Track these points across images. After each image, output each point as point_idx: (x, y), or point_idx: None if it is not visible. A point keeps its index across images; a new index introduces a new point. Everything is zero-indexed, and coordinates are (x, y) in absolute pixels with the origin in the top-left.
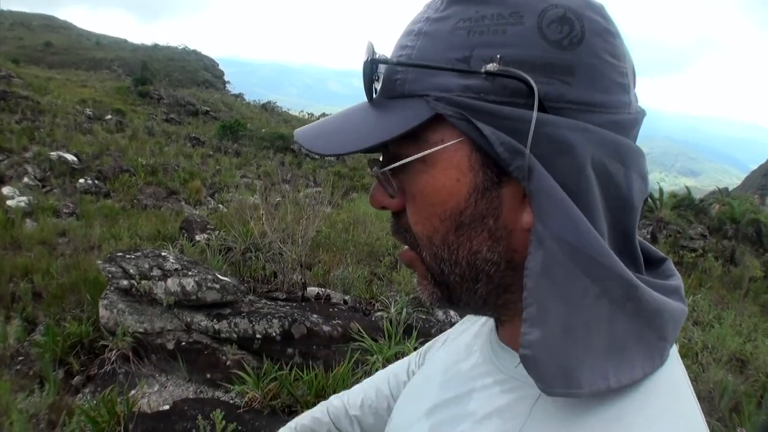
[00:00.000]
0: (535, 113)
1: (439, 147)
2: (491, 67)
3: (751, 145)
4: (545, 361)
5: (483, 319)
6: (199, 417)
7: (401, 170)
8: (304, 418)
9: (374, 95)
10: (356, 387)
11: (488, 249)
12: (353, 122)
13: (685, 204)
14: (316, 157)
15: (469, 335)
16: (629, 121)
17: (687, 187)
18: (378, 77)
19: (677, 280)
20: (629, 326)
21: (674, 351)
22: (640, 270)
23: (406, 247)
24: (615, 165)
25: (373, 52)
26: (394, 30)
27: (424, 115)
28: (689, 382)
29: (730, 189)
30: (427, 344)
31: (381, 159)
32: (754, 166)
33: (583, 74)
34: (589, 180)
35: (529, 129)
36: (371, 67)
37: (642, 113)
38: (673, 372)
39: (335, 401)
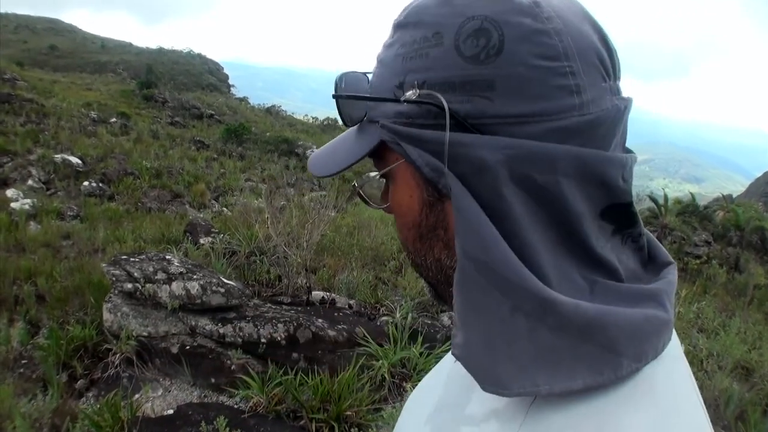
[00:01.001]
0: (447, 135)
1: (389, 167)
2: (410, 94)
3: (755, 152)
4: (471, 363)
5: None
6: (203, 423)
7: (386, 182)
8: None
9: (348, 123)
10: None
11: (446, 257)
12: (339, 146)
13: (690, 210)
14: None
15: None
16: (584, 123)
17: (692, 194)
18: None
19: (663, 284)
20: (556, 339)
21: (675, 353)
22: (613, 275)
23: None
24: (547, 177)
25: (337, 88)
26: None
27: (374, 140)
28: (695, 385)
29: (734, 196)
30: None
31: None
32: (759, 173)
33: (506, 86)
34: (508, 197)
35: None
36: (336, 101)
37: (617, 107)
38: (672, 374)
39: None
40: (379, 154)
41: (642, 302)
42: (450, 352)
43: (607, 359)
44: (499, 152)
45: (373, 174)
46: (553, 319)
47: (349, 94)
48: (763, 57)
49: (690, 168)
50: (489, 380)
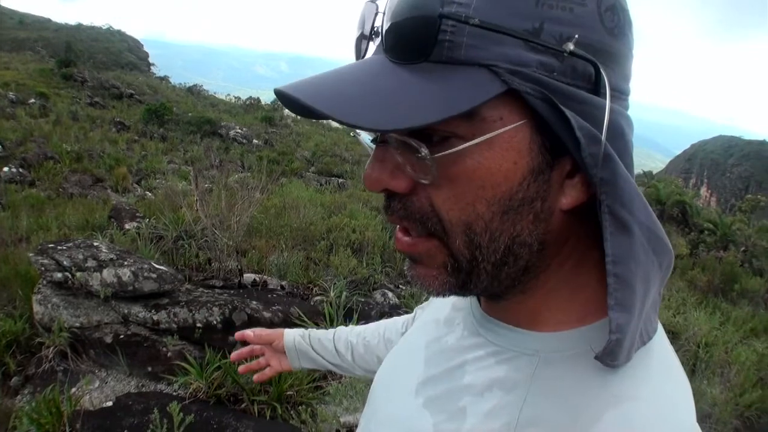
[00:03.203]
0: (608, 100)
1: (504, 129)
2: (571, 46)
3: (674, 132)
4: (627, 341)
5: None
6: (155, 410)
7: (437, 149)
8: (318, 330)
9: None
10: (367, 325)
11: (529, 233)
12: (390, 89)
13: None
14: (297, 117)
15: (445, 308)
16: (627, 104)
17: None
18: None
19: None
20: (658, 289)
21: (662, 330)
22: None
23: (411, 237)
24: (631, 147)
25: (441, 3)
26: (320, 11)
27: (493, 89)
28: (666, 338)
29: (654, 173)
30: (418, 309)
31: (402, 133)
32: (678, 151)
33: (621, 63)
34: (632, 163)
35: (601, 115)
36: (439, 22)
37: None
38: (663, 343)
39: (344, 327)
40: (469, 110)
41: None
42: (418, 323)
43: (659, 300)
44: (625, 121)
45: (475, 141)
46: (667, 272)
47: (478, 23)
48: (686, 43)
49: None
50: (625, 355)
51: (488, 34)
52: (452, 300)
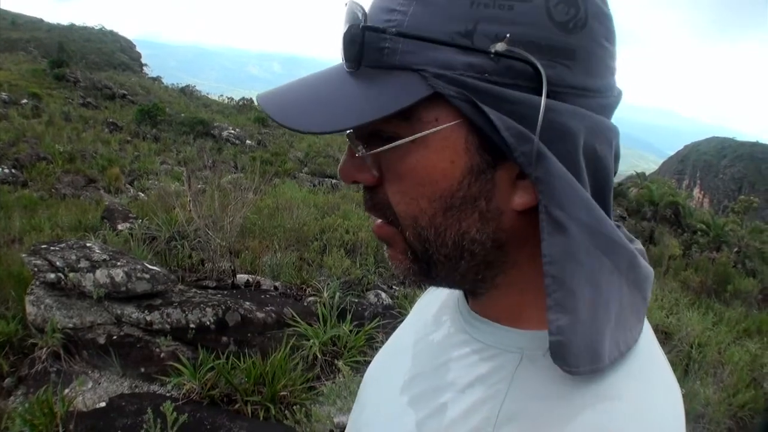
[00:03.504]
0: (543, 99)
1: (435, 129)
2: (500, 46)
3: (667, 132)
4: (574, 344)
5: (447, 290)
6: (149, 411)
7: (394, 148)
8: None
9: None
10: None
11: (477, 230)
12: (335, 94)
13: None
14: (273, 124)
15: (434, 306)
16: (614, 103)
17: None
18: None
19: (640, 244)
20: (630, 295)
21: (648, 327)
22: None
23: (380, 221)
24: (602, 147)
25: (364, 16)
26: (314, 11)
27: (420, 92)
28: (656, 339)
29: (647, 174)
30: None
31: (353, 133)
32: (671, 152)
33: (583, 59)
34: (582, 164)
35: (536, 114)
36: (363, 34)
37: (621, 93)
38: (648, 341)
39: None
40: (407, 111)
41: (644, 258)
42: (408, 320)
43: (643, 307)
44: (580, 122)
45: (407, 139)
46: (633, 274)
47: (400, 31)
48: (678, 45)
49: None
50: (584, 360)
51: (419, 42)
52: (441, 298)
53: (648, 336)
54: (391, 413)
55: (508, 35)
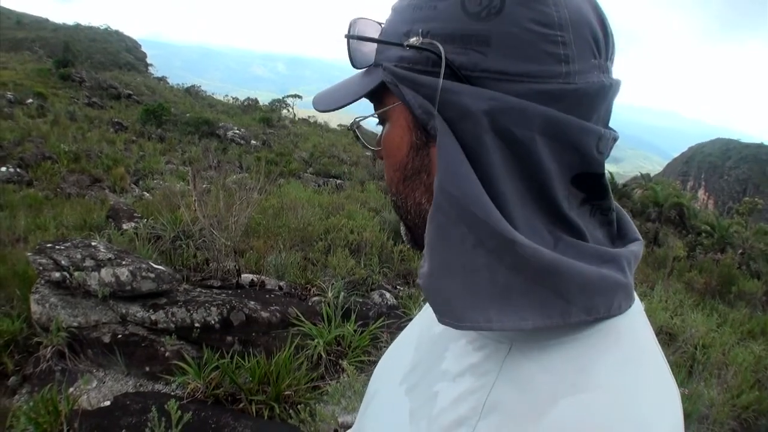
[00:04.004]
0: (440, 80)
1: (386, 108)
2: (413, 41)
3: (671, 134)
4: (432, 293)
5: None
6: (153, 409)
7: (381, 124)
8: None
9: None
10: None
11: (426, 200)
12: (344, 86)
13: None
14: (295, 119)
15: None
16: (567, 92)
17: (610, 173)
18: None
19: (625, 251)
20: (511, 278)
21: (638, 308)
22: (578, 234)
23: None
24: (527, 133)
25: (351, 28)
26: (318, 11)
27: (375, 81)
28: (654, 337)
29: (652, 175)
30: None
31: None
32: (676, 154)
33: (500, 44)
34: (486, 144)
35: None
36: (348, 42)
37: (603, 84)
38: (634, 327)
39: None
40: (379, 96)
41: (602, 263)
42: (417, 315)
43: (557, 304)
44: (482, 102)
45: (368, 115)
46: (510, 258)
47: (357, 35)
48: (681, 44)
49: None
50: (446, 312)
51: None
52: None
53: (634, 317)
54: (391, 404)
55: (421, 30)
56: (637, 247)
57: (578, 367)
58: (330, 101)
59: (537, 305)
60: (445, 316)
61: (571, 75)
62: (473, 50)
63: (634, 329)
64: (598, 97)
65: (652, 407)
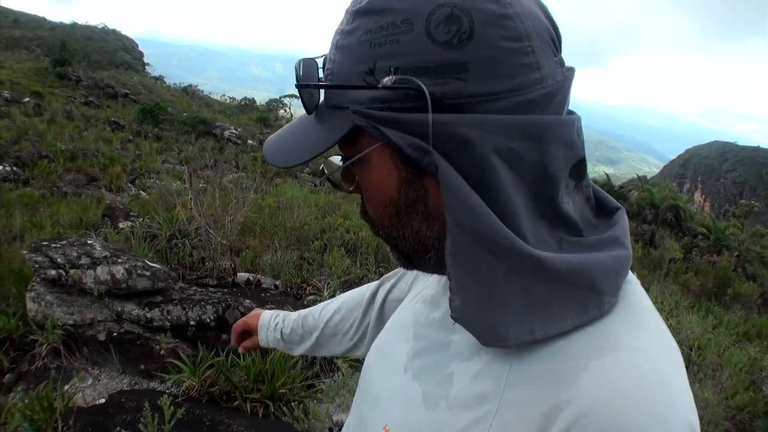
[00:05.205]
0: (429, 116)
1: (365, 151)
2: (387, 80)
3: (668, 136)
4: (471, 322)
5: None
6: (147, 405)
7: (354, 165)
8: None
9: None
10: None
11: (426, 228)
12: (300, 134)
13: (605, 190)
14: (293, 118)
15: (432, 288)
16: (544, 95)
17: (607, 175)
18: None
19: (618, 229)
20: (548, 291)
21: (631, 277)
22: (575, 230)
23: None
24: (523, 144)
25: (297, 76)
26: (318, 11)
27: (345, 127)
28: (647, 295)
29: (649, 177)
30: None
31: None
32: (672, 156)
33: (479, 67)
34: (492, 168)
35: (428, 130)
36: (299, 90)
37: (566, 77)
38: (635, 288)
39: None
40: (348, 139)
41: (607, 247)
42: (400, 307)
43: (591, 298)
44: (477, 128)
45: (339, 159)
46: (544, 273)
47: (321, 83)
48: (678, 46)
49: (605, 150)
50: (489, 336)
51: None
52: (437, 279)
53: (636, 288)
54: (396, 391)
55: (390, 67)
56: (624, 218)
57: (602, 334)
58: (292, 154)
59: (576, 306)
60: (490, 342)
61: (544, 79)
62: (453, 78)
63: (636, 292)
64: (565, 91)
65: (667, 360)
